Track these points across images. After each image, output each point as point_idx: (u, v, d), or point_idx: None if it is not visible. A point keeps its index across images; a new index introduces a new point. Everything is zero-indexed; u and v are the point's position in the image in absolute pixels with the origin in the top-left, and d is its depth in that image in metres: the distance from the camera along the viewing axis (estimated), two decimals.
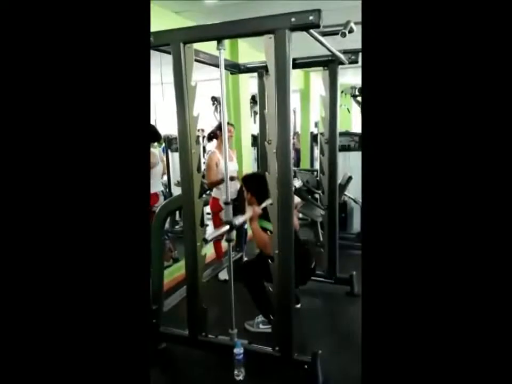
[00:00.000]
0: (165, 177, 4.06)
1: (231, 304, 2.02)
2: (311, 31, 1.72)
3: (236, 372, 1.96)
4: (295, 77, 3.07)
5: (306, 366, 1.90)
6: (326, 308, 2.81)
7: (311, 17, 1.59)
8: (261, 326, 2.43)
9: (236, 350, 1.94)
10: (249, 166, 4.62)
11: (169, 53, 1.93)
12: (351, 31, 1.99)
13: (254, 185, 2.35)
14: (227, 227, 1.93)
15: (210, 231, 2.22)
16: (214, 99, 7.23)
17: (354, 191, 3.91)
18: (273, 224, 1.84)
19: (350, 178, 3.85)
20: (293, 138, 4.43)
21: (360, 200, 4.03)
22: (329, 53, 2.52)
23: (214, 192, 3.19)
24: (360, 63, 2.75)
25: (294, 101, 4.97)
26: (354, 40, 2.26)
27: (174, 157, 4.86)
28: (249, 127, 4.46)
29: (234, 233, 2.04)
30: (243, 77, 3.95)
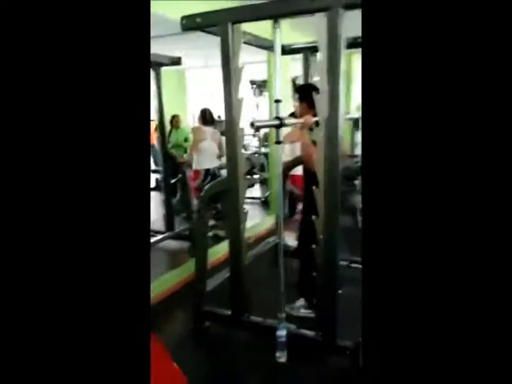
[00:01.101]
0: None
1: (280, 286, 2.01)
2: None
3: (278, 354, 1.97)
4: None
5: (348, 352, 1.89)
6: None
7: None
8: (302, 310, 2.43)
9: (278, 332, 1.95)
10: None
11: (215, 34, 1.92)
12: None
13: (308, 94, 2.28)
14: (277, 121, 1.82)
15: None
16: (253, 83, 7.19)
17: None
18: (319, 209, 1.82)
19: None
20: None
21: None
22: None
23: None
24: None
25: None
26: None
27: None
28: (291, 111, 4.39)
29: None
30: (284, 59, 3.88)
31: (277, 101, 1.89)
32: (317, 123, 1.81)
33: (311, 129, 2.11)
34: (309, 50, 2.85)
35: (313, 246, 1.87)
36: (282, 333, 1.96)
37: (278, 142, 1.93)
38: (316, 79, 2.91)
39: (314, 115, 2.15)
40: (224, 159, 3.18)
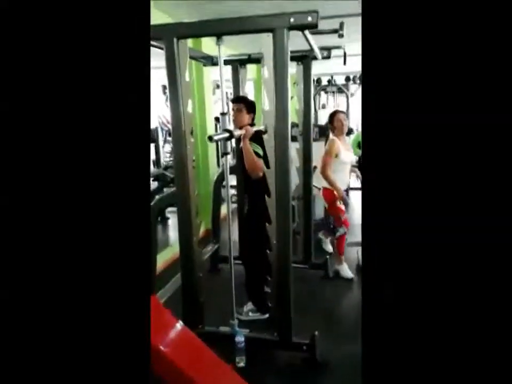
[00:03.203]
0: None
1: (232, 293, 2.07)
2: (306, 31, 1.80)
3: (237, 359, 2.03)
4: (249, 68, 3.11)
5: (304, 347, 2.03)
6: (307, 291, 2.93)
7: (309, 18, 1.67)
8: (250, 314, 2.51)
9: (237, 338, 2.01)
10: (214, 158, 4.61)
11: (159, 47, 1.91)
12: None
13: (246, 106, 2.42)
14: (227, 133, 1.89)
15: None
16: (165, 87, 7.04)
17: (317, 179, 4.10)
18: (271, 216, 1.92)
19: (314, 167, 4.03)
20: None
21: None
22: (303, 49, 2.63)
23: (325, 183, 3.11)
24: (330, 59, 2.86)
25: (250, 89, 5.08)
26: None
27: None
28: (212, 117, 4.46)
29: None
30: (207, 69, 3.94)
31: (223, 114, 1.98)
32: (264, 131, 1.92)
33: (251, 139, 2.22)
34: (238, 62, 2.95)
35: (268, 251, 1.97)
36: (240, 338, 2.02)
37: (226, 153, 1.99)
38: (246, 90, 3.04)
39: (252, 124, 2.29)
40: None
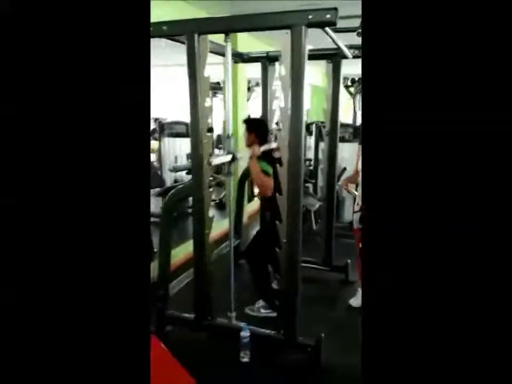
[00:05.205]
0: None
1: (231, 287, 2.10)
2: (326, 28, 1.77)
3: (241, 354, 2.05)
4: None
5: (309, 349, 2.01)
6: (323, 294, 2.90)
7: (328, 15, 1.64)
8: (262, 310, 2.52)
9: (242, 333, 2.03)
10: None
11: (182, 42, 1.95)
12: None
13: (256, 126, 2.49)
14: (230, 156, 2.01)
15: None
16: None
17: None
18: (282, 215, 1.91)
19: (344, 169, 3.96)
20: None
21: (354, 191, 4.14)
22: (333, 47, 2.57)
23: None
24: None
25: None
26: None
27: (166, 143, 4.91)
28: (245, 114, 4.49)
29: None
30: (241, 66, 3.97)
31: (228, 136, 2.06)
32: (279, 162, 1.91)
33: (259, 158, 2.27)
34: (267, 59, 2.95)
35: (277, 250, 1.96)
36: (245, 333, 2.03)
37: (229, 173, 2.12)
38: (274, 87, 3.03)
39: (262, 144, 2.33)
40: None
